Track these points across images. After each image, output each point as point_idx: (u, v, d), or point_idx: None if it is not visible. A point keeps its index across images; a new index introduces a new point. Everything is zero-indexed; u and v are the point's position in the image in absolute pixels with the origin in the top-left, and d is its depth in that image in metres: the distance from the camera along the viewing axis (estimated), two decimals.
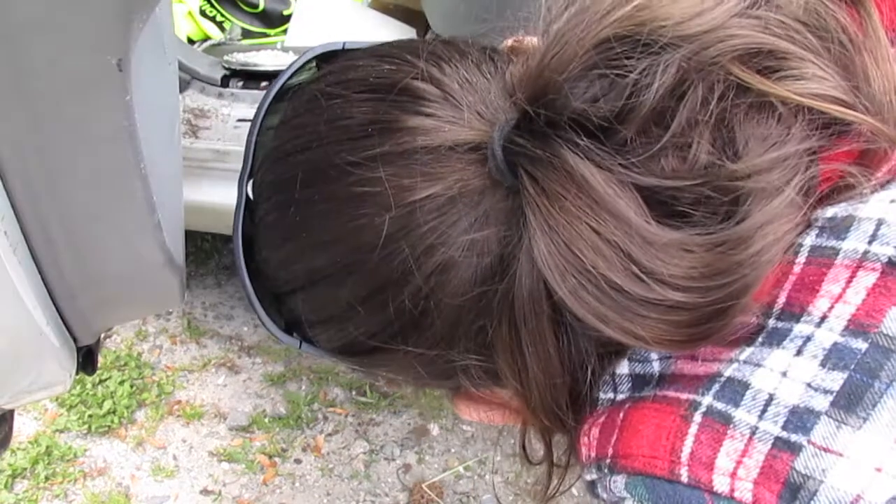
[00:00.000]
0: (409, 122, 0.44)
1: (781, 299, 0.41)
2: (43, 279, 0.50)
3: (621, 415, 0.43)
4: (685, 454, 0.39)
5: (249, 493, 1.85)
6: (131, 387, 2.03)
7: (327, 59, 0.55)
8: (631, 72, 0.40)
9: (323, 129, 0.47)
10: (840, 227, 0.40)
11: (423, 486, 1.86)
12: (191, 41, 2.03)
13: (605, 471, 0.43)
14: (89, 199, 0.47)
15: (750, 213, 0.39)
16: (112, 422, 1.95)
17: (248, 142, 0.54)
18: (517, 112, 0.44)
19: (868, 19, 0.43)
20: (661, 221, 0.40)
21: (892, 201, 0.40)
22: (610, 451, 0.43)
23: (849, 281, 0.39)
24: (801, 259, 0.41)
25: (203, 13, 2.09)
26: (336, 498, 1.85)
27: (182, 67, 1.65)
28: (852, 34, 0.42)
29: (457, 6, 1.89)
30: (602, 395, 0.46)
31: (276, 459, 1.92)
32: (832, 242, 0.40)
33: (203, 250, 2.44)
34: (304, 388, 2.08)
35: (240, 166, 0.55)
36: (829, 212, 0.41)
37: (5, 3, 0.36)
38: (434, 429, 1.99)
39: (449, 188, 0.43)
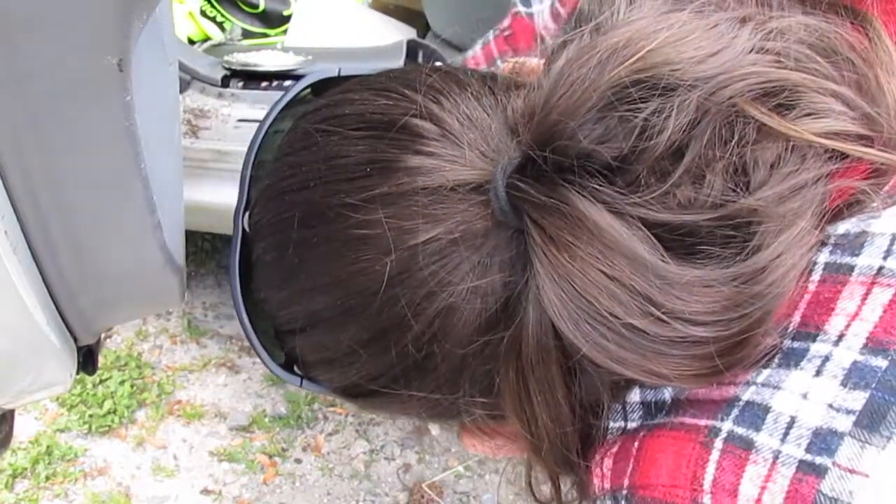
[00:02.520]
0: (408, 162, 0.43)
1: (796, 319, 0.40)
2: (43, 279, 0.50)
3: (636, 444, 0.42)
4: (707, 482, 0.38)
5: (250, 493, 1.85)
6: (132, 387, 2.03)
7: (323, 85, 0.54)
8: (642, 112, 0.39)
9: (319, 167, 0.46)
10: (854, 244, 0.40)
11: (424, 485, 1.86)
12: (191, 41, 2.03)
13: (622, 502, 0.42)
14: (89, 199, 0.47)
15: (767, 244, 0.38)
16: (112, 422, 1.95)
17: (243, 175, 0.53)
18: (520, 152, 0.43)
19: (874, 32, 0.43)
20: (678, 258, 0.39)
21: None
22: (626, 482, 0.41)
23: (864, 298, 0.38)
24: (816, 277, 0.40)
25: (203, 13, 2.08)
26: (336, 498, 1.85)
27: (182, 68, 1.65)
28: (860, 50, 0.42)
29: (456, 7, 1.89)
30: (612, 424, 0.45)
31: (277, 459, 1.92)
32: (846, 259, 0.40)
33: (203, 250, 2.44)
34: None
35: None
36: (841, 228, 0.41)
37: (5, 3, 0.36)
38: (434, 428, 1.99)
39: (450, 231, 0.42)
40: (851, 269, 0.39)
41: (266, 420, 2.00)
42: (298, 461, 1.92)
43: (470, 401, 0.47)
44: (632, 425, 0.44)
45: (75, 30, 0.38)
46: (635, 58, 0.39)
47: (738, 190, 0.39)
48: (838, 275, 0.40)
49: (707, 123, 0.39)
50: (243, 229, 0.53)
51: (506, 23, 0.95)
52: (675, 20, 0.41)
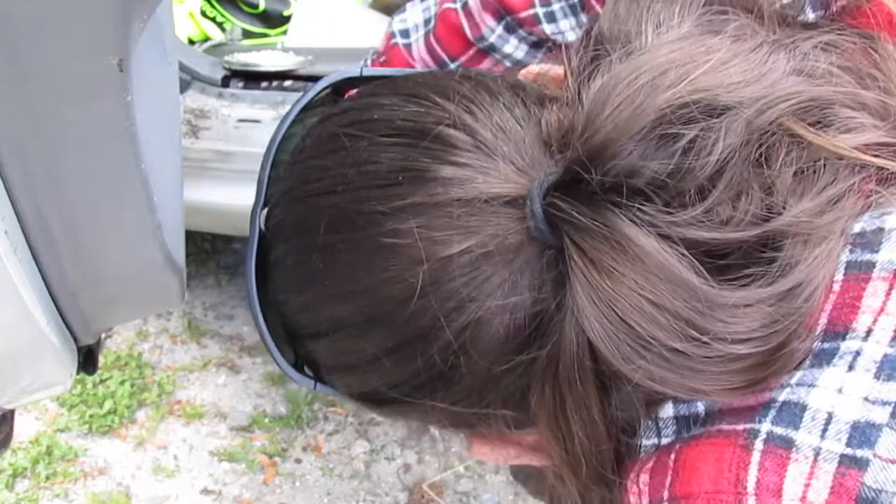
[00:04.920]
0: (441, 172, 0.43)
1: (823, 320, 0.41)
2: (43, 279, 0.50)
3: (672, 456, 0.42)
4: (751, 484, 0.38)
5: (250, 493, 1.85)
6: (132, 386, 2.03)
7: (343, 86, 0.54)
8: (691, 132, 0.40)
9: (348, 172, 0.45)
10: (872, 241, 0.40)
11: (424, 485, 1.86)
12: (191, 41, 2.03)
13: None
14: (89, 199, 0.47)
15: (803, 259, 0.39)
16: (112, 421, 1.95)
17: (262, 174, 0.52)
18: (559, 169, 0.42)
19: (882, 48, 0.44)
20: (721, 280, 0.39)
21: None
22: (666, 495, 0.41)
23: (888, 293, 0.39)
24: (839, 276, 0.41)
25: (203, 14, 2.09)
26: (336, 498, 1.85)
27: (182, 68, 1.65)
28: (876, 62, 0.44)
29: None
30: (645, 442, 0.45)
31: (277, 459, 1.92)
32: (867, 256, 0.40)
33: (203, 250, 2.44)
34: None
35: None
36: (857, 227, 0.41)
37: (5, 3, 0.36)
38: (434, 428, 1.99)
39: (483, 244, 0.42)
40: (872, 265, 0.40)
41: (266, 420, 2.00)
42: (298, 461, 1.93)
43: (494, 413, 0.47)
44: (665, 441, 0.44)
45: (76, 30, 0.38)
46: (687, 80, 0.40)
47: (774, 205, 0.40)
48: (860, 273, 0.40)
49: (753, 143, 0.40)
50: (260, 229, 0.52)
51: (381, 48, 0.94)
52: (717, 44, 0.42)
